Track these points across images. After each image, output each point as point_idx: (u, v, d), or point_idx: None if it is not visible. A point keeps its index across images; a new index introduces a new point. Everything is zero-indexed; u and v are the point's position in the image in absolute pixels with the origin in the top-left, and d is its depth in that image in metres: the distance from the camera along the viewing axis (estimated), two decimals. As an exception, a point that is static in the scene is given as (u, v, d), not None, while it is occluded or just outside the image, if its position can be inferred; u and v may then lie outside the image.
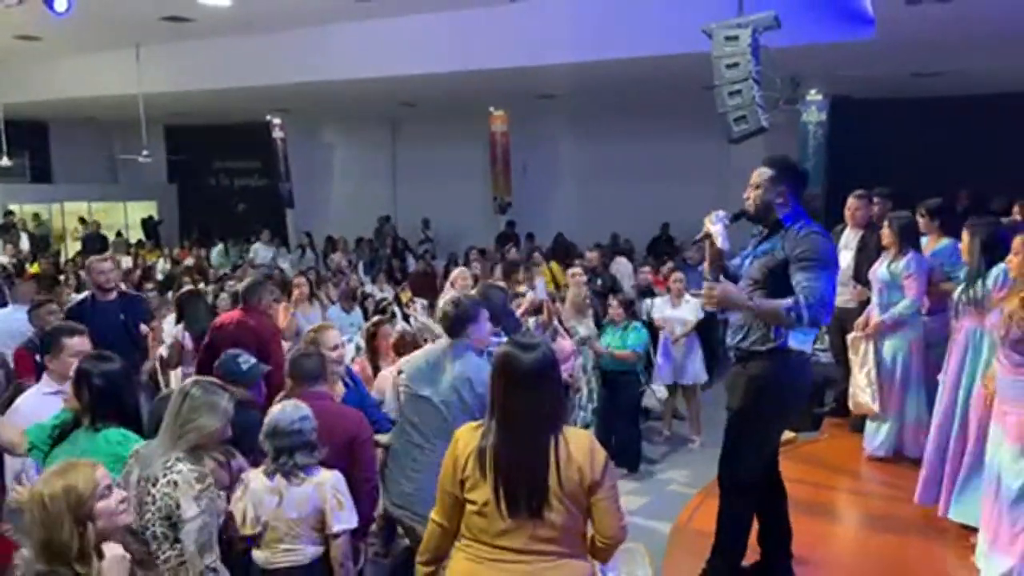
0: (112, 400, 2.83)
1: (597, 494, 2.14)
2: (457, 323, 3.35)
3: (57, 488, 1.99)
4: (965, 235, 3.87)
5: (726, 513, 3.17)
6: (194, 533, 2.44)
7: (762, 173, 3.09)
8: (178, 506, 2.44)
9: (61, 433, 2.85)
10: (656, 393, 5.58)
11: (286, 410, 2.84)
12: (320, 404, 3.07)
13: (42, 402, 3.23)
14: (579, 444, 2.16)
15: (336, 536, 2.80)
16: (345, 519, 2.81)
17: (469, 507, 2.19)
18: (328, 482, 2.82)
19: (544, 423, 2.15)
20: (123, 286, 5.43)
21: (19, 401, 3.36)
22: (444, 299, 3.86)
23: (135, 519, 2.39)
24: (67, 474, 2.04)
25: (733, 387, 3.12)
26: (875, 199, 5.48)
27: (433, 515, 2.33)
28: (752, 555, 3.26)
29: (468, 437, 2.24)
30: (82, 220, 16.25)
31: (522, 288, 6.40)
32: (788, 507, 3.28)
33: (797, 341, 2.99)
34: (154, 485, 2.48)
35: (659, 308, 6.57)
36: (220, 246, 14.63)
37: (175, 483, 2.46)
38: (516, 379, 2.16)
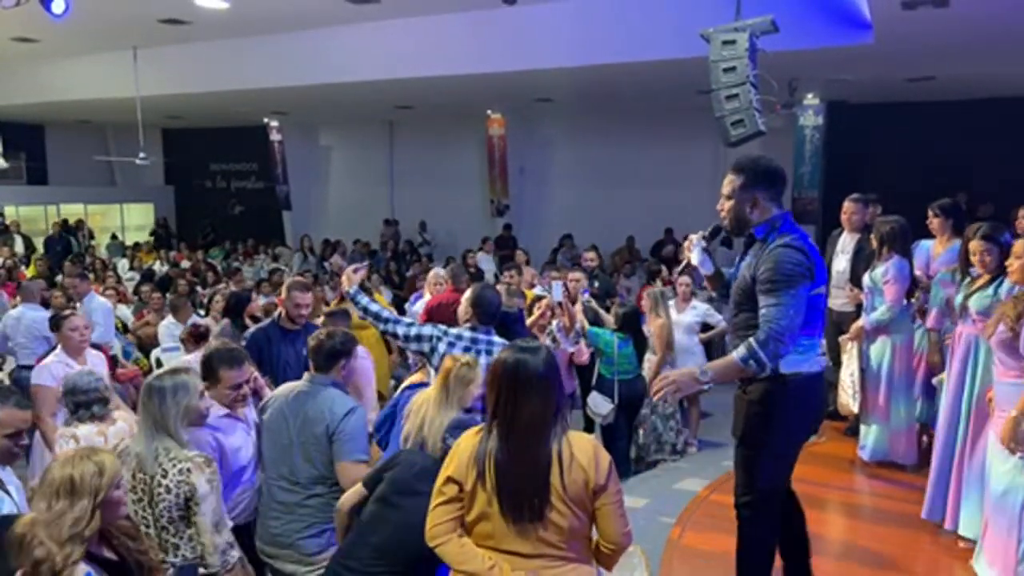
0: None
1: (602, 498, 2.14)
2: (330, 356, 3.15)
3: (88, 466, 2.04)
4: (980, 241, 3.66)
5: (747, 540, 2.94)
6: (209, 513, 2.59)
7: (731, 181, 2.83)
8: (194, 490, 2.57)
9: None
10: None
11: (82, 375, 3.48)
12: None
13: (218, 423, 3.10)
14: (583, 447, 2.16)
15: None
16: None
17: (471, 513, 2.18)
18: (127, 419, 3.47)
19: (549, 427, 2.15)
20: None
21: None
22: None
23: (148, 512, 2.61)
24: (94, 457, 2.09)
25: (736, 412, 2.92)
26: (871, 205, 5.49)
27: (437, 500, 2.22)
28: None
29: (467, 443, 2.23)
30: (71, 224, 16.06)
31: (544, 300, 6.35)
32: (806, 525, 3.12)
33: (790, 365, 2.73)
34: (164, 477, 2.58)
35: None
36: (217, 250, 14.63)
37: (188, 469, 2.58)
38: (525, 384, 2.15)
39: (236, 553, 2.71)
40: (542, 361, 2.18)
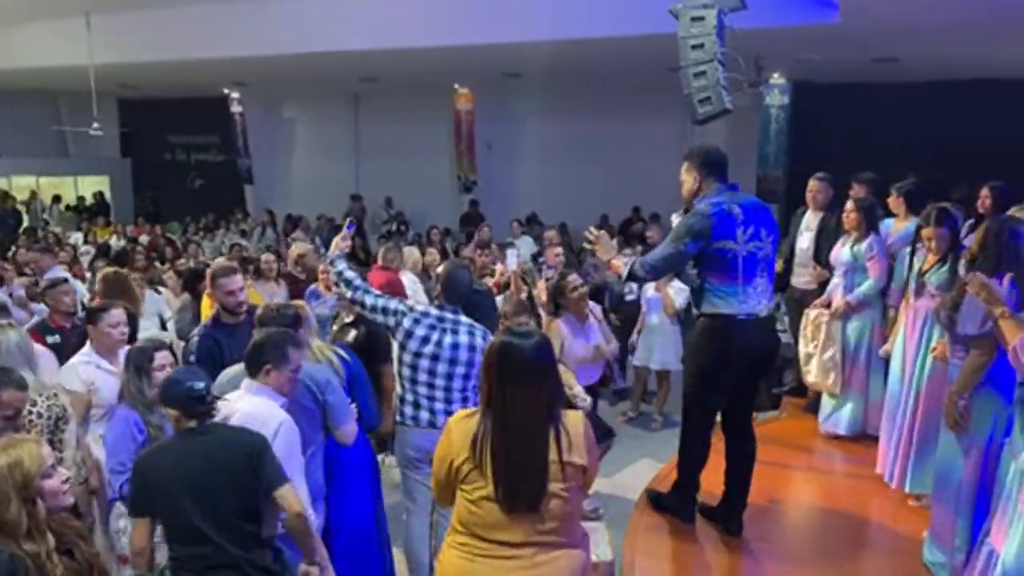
0: None
1: (589, 474, 2.16)
2: (292, 323, 3.37)
3: (2, 464, 1.92)
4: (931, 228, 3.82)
5: (681, 442, 3.67)
6: (74, 430, 3.07)
7: (682, 167, 3.44)
8: (64, 409, 3.03)
9: None
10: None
11: None
12: None
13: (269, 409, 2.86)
14: (576, 429, 2.13)
15: None
16: None
17: (463, 498, 2.13)
18: None
19: (546, 414, 2.09)
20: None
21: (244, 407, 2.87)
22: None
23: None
24: (11, 450, 1.96)
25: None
26: (856, 184, 5.49)
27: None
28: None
29: (461, 426, 2.16)
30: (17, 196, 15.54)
31: (498, 267, 6.33)
32: (752, 469, 3.63)
33: (706, 306, 3.37)
34: (35, 405, 2.94)
35: (645, 289, 6.47)
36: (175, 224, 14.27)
37: (55, 394, 3.06)
38: (518, 370, 2.08)
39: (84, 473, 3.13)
40: (532, 347, 2.09)
